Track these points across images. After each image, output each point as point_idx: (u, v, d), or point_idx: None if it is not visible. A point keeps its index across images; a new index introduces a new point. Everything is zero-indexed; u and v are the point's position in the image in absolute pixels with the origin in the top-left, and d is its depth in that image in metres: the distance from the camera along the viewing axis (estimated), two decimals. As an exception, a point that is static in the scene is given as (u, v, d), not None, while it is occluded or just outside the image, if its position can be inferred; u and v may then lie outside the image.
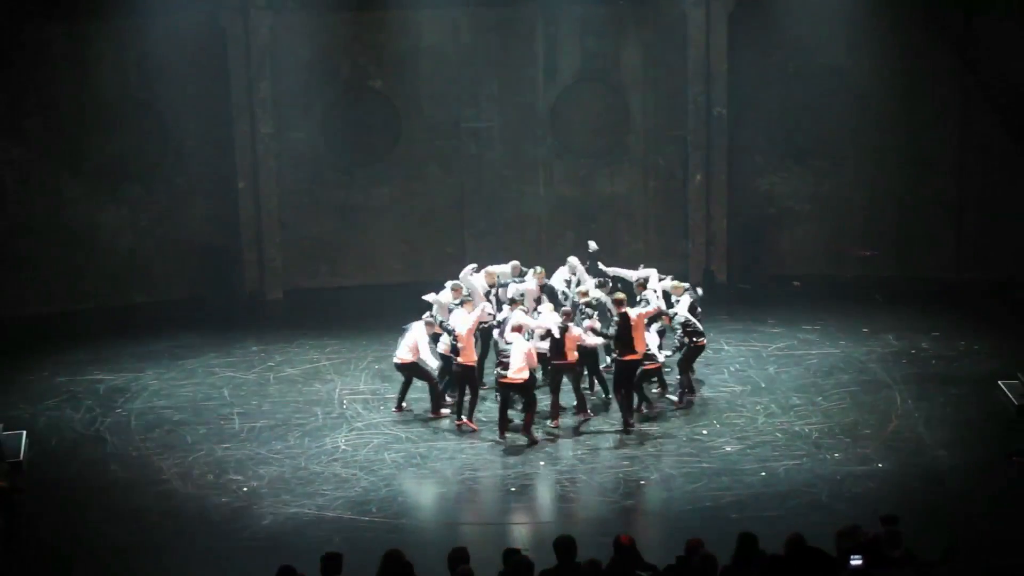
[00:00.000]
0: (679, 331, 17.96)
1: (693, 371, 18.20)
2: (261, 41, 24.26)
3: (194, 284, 24.49)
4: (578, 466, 16.11)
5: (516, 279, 19.00)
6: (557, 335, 17.03)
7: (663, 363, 17.89)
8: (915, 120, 24.72)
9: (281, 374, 19.97)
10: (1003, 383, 18.06)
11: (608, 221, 25.57)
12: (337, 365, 20.33)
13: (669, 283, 18.66)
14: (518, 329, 16.85)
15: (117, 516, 14.97)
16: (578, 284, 18.88)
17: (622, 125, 25.57)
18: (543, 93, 25.39)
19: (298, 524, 14.52)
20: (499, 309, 18.43)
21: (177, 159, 24.63)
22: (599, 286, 18.56)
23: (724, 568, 10.37)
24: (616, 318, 17.17)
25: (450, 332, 17.46)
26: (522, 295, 18.49)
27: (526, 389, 16.77)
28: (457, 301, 17.87)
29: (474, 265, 18.91)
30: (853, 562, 10.30)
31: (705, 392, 18.47)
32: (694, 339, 17.87)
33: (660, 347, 18.13)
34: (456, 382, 17.49)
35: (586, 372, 18.10)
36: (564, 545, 10.39)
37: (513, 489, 15.53)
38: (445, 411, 17.68)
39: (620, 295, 17.44)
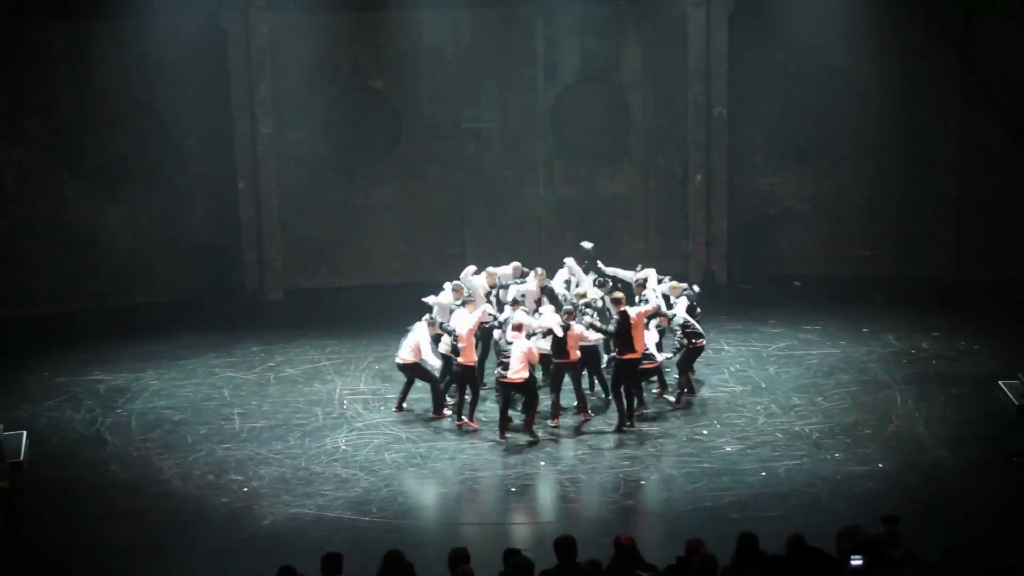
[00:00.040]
0: (678, 332, 17.97)
1: (693, 371, 18.20)
2: (261, 41, 24.26)
3: (194, 284, 24.47)
4: (578, 466, 16.10)
5: (517, 280, 19.00)
6: (560, 334, 17.03)
7: (661, 363, 17.90)
8: (915, 120, 24.73)
9: (281, 374, 19.97)
10: (1003, 383, 18.03)
11: (608, 221, 25.57)
12: (337, 365, 20.33)
13: (667, 284, 18.66)
14: (519, 328, 16.85)
15: (117, 516, 14.94)
16: (577, 285, 18.88)
17: (622, 125, 25.56)
18: (543, 93, 25.38)
19: (298, 524, 14.50)
20: (500, 310, 18.42)
21: (177, 159, 24.64)
22: (597, 285, 18.56)
23: (724, 568, 10.36)
24: (616, 317, 17.19)
25: (450, 333, 17.47)
26: (523, 296, 18.49)
27: (526, 388, 16.78)
28: (459, 302, 17.87)
29: (474, 267, 18.92)
30: (853, 562, 10.29)
31: (705, 392, 18.46)
32: (693, 340, 17.87)
33: (660, 348, 18.14)
34: (456, 382, 17.50)
35: (586, 372, 18.10)
36: (564, 545, 10.37)
37: (513, 489, 15.52)
38: (447, 411, 17.68)
39: (619, 294, 17.45)
